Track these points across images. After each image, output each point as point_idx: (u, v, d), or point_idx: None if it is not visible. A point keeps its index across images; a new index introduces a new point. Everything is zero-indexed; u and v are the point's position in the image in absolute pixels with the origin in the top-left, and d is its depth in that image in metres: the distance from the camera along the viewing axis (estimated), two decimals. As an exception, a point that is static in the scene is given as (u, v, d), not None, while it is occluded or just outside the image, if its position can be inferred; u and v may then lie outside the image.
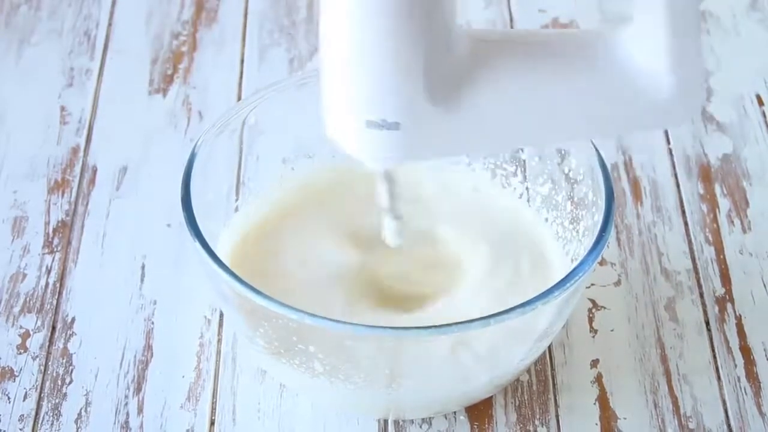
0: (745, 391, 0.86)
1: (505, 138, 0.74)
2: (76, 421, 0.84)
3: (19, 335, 0.89)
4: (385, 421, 0.84)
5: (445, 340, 0.78)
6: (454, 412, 0.85)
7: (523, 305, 0.75)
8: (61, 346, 0.88)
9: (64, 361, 0.87)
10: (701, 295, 0.93)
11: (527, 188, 0.90)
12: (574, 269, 0.77)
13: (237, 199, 0.90)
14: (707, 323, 0.91)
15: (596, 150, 0.83)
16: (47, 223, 0.96)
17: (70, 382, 0.86)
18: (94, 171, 1.00)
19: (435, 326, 0.79)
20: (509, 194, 0.91)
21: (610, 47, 0.72)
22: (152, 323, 0.90)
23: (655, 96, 0.71)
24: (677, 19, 0.69)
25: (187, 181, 0.81)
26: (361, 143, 0.71)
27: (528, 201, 0.90)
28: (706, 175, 1.02)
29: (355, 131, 0.70)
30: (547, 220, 0.89)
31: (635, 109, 0.72)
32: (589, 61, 0.72)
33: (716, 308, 0.92)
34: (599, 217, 0.80)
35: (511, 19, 1.15)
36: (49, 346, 0.88)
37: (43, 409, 0.85)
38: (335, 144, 0.72)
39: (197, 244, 0.78)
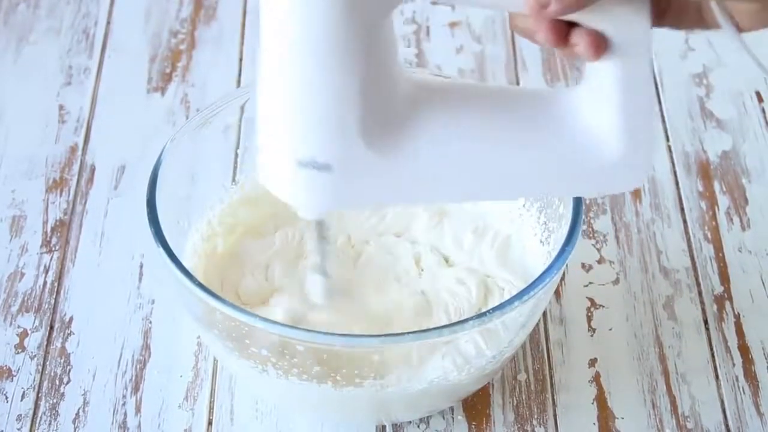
0: (744, 391, 0.86)
1: (442, 190, 0.70)
2: (74, 421, 0.84)
3: (17, 334, 0.89)
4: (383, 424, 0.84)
5: (401, 348, 0.77)
6: (452, 412, 0.85)
7: (479, 316, 0.73)
8: (59, 345, 0.88)
9: (62, 360, 0.87)
10: (700, 293, 0.92)
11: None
12: (533, 282, 0.75)
13: (234, 182, 0.90)
14: (706, 322, 0.91)
15: None
16: (45, 222, 0.96)
17: (68, 382, 0.86)
18: (93, 170, 1.00)
19: (386, 335, 0.78)
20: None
21: (559, 106, 0.69)
22: (150, 322, 0.90)
23: (602, 160, 0.68)
24: (629, 84, 0.67)
25: (154, 179, 0.80)
26: (292, 186, 0.67)
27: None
28: (705, 172, 1.01)
29: (285, 172, 0.66)
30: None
31: (579, 172, 0.69)
32: (536, 118, 0.69)
33: (715, 307, 0.91)
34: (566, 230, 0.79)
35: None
36: (47, 346, 0.88)
37: (41, 409, 0.85)
38: (269, 189, 0.68)
39: (159, 248, 0.77)
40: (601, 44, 0.65)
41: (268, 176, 0.68)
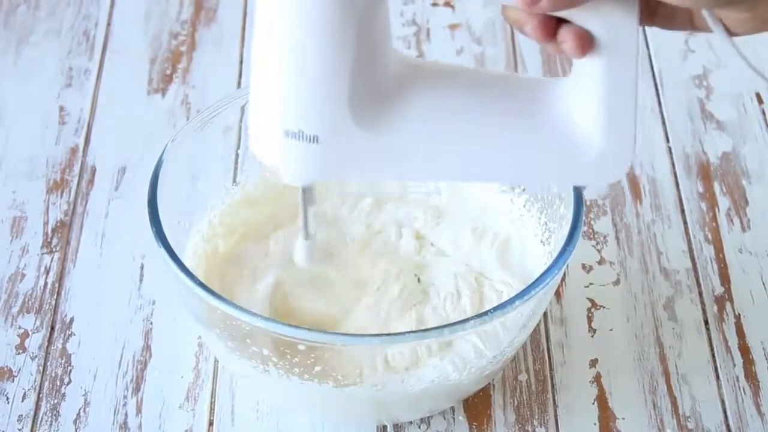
0: (744, 391, 0.86)
1: (426, 169, 0.71)
2: (74, 422, 0.84)
3: (18, 335, 0.89)
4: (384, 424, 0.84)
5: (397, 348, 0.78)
6: (453, 412, 0.85)
7: (480, 316, 0.73)
8: (60, 346, 0.88)
9: (63, 361, 0.87)
10: (700, 294, 0.93)
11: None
12: (534, 282, 0.75)
13: (234, 183, 0.90)
14: (706, 322, 0.91)
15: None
16: (46, 223, 0.96)
17: (69, 383, 0.86)
18: (93, 171, 1.00)
19: (386, 335, 0.79)
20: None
21: (547, 96, 0.70)
22: (151, 323, 0.90)
23: (583, 152, 0.69)
24: (613, 81, 0.67)
25: (155, 179, 0.80)
26: (280, 155, 0.69)
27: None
28: (705, 173, 1.01)
29: (274, 142, 0.68)
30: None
31: (560, 161, 0.70)
32: (523, 105, 0.70)
33: (715, 307, 0.92)
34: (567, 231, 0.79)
35: (511, 18, 1.14)
36: (47, 347, 0.88)
37: (42, 410, 0.85)
38: (257, 156, 0.70)
39: (161, 248, 0.77)
40: (586, 43, 0.66)
41: (257, 143, 0.70)
